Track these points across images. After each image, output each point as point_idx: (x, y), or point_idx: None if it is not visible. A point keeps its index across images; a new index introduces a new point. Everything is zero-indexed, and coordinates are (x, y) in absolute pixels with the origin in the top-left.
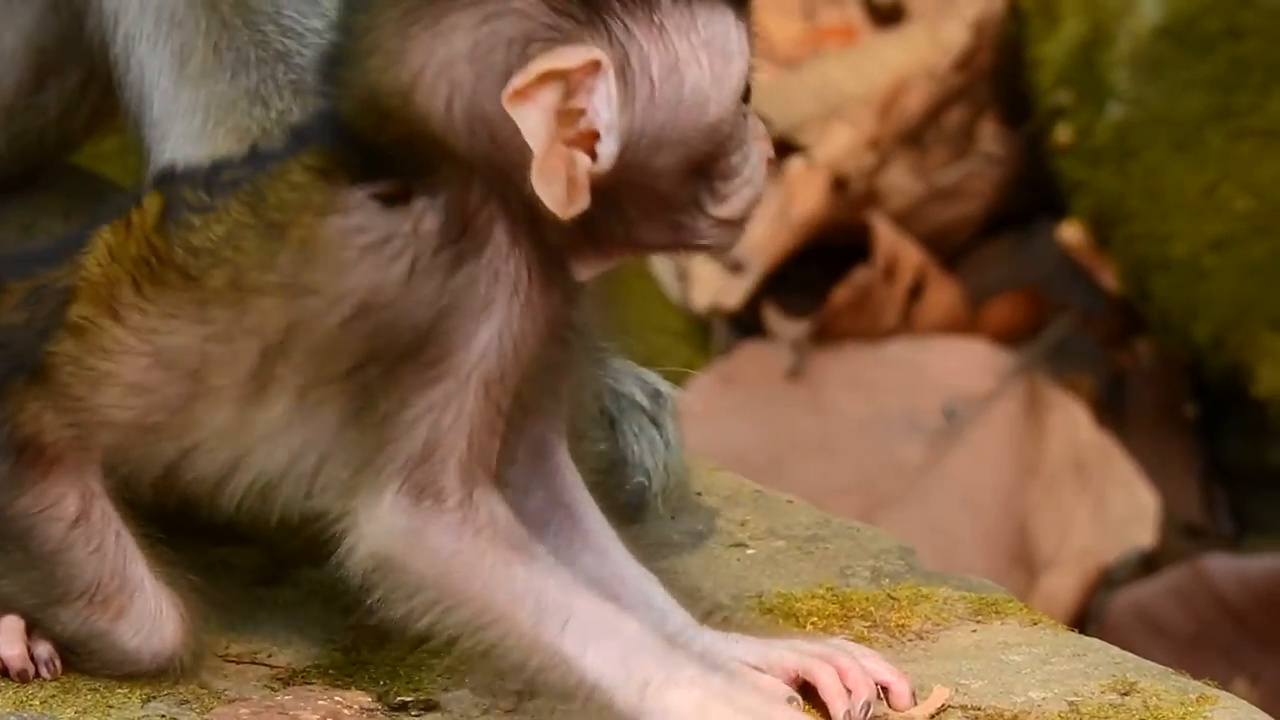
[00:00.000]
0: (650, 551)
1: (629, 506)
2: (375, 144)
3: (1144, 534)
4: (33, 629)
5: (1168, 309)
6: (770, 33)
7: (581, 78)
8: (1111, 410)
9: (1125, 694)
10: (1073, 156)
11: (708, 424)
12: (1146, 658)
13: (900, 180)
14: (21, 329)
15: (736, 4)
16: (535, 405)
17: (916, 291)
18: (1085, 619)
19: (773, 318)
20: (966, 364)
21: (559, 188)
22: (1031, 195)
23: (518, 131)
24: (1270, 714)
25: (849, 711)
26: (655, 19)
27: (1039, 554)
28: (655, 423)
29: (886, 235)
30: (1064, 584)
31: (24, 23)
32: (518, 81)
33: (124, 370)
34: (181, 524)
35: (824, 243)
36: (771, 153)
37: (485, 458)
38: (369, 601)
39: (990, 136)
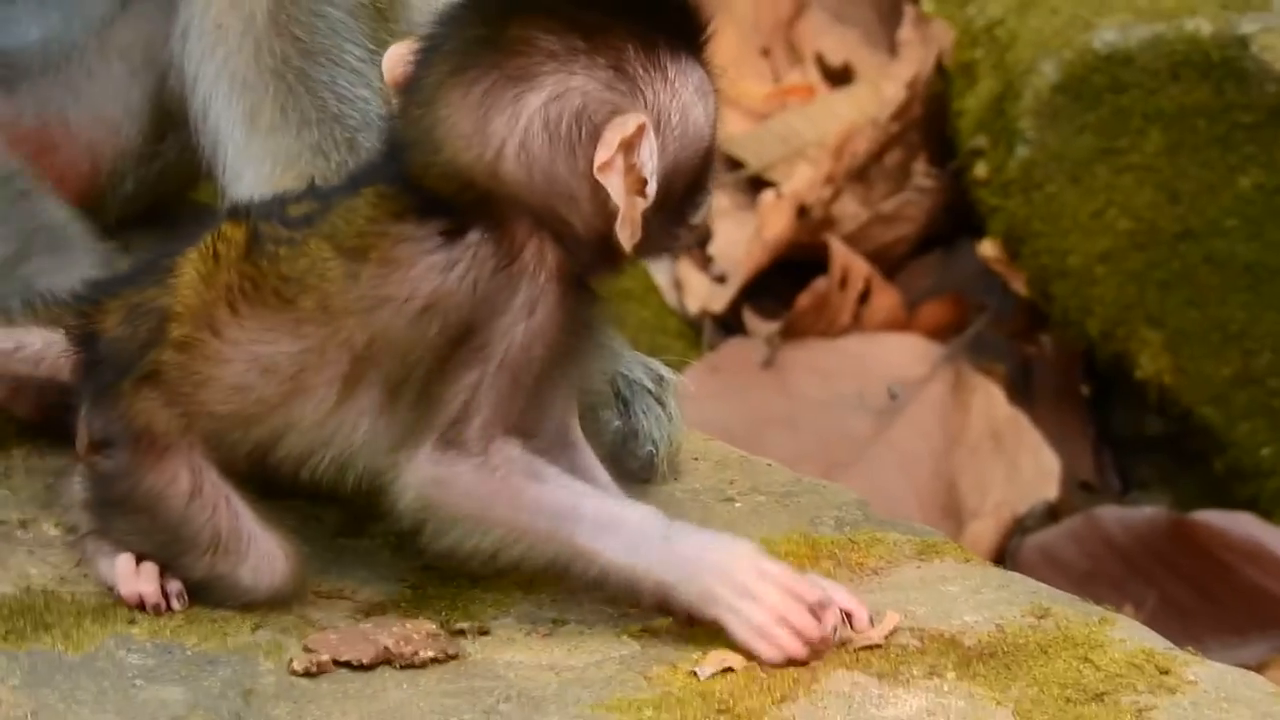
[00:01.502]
0: (658, 505)
1: (641, 470)
2: (447, 199)
3: (1049, 490)
4: (165, 569)
5: (1066, 309)
6: (745, 91)
7: (634, 138)
8: (1021, 391)
9: (1041, 617)
10: (989, 188)
11: (700, 404)
12: None
13: (851, 208)
14: (126, 342)
15: (700, 53)
16: (558, 387)
17: (865, 297)
18: (1003, 558)
19: (750, 319)
20: (905, 355)
21: (630, 230)
22: (956, 219)
23: (581, 184)
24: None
25: (824, 636)
26: (669, 77)
27: (965, 507)
28: (660, 402)
29: (840, 252)
30: (985, 531)
31: (148, 83)
32: (603, 155)
33: (226, 374)
34: (278, 489)
35: (790, 259)
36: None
37: (505, 419)
38: (422, 537)
39: (922, 172)
